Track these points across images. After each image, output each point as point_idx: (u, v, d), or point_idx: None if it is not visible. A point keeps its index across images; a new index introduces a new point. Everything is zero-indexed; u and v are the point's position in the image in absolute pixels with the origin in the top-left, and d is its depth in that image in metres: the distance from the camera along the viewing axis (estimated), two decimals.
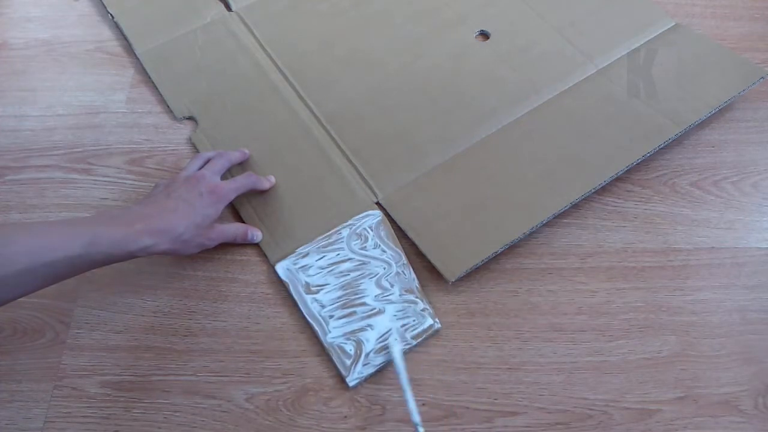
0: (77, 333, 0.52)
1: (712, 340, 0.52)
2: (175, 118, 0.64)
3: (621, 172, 0.58)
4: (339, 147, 0.60)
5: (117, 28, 0.71)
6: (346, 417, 0.48)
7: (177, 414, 0.48)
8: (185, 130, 0.64)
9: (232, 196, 0.54)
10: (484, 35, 0.69)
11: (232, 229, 0.54)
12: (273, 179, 0.58)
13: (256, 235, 0.55)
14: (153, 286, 0.54)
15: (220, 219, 0.54)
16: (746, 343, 0.52)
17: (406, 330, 0.51)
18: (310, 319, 0.51)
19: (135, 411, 0.49)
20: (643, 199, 0.59)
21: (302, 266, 0.53)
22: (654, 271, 0.55)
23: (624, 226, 0.58)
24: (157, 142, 0.63)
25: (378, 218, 0.56)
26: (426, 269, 0.54)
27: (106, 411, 0.49)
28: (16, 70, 0.68)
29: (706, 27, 0.71)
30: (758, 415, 0.49)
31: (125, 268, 0.54)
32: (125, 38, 0.69)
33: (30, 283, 0.43)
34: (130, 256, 0.47)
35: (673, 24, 0.68)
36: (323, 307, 0.52)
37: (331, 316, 0.51)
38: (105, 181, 0.60)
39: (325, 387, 0.50)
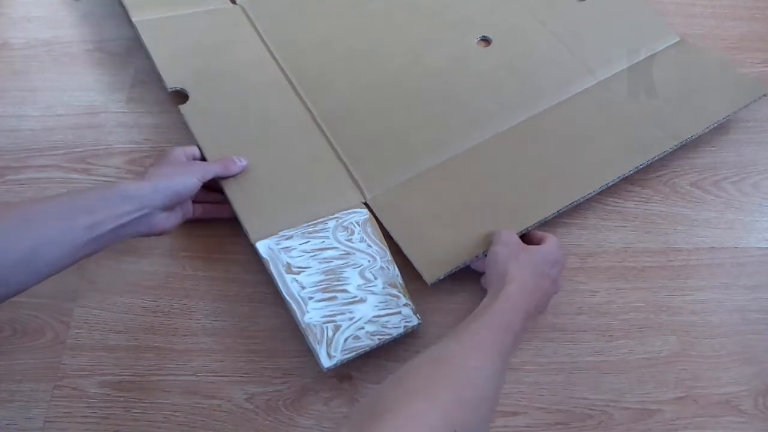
0: (77, 333, 0.52)
1: (712, 340, 0.52)
2: (165, 87, 0.61)
3: (611, 183, 0.57)
4: (331, 145, 0.60)
5: (117, 27, 0.71)
6: (346, 417, 0.48)
7: (177, 414, 0.48)
8: (185, 129, 0.63)
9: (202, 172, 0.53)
10: (486, 41, 0.68)
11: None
12: (245, 162, 0.56)
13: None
14: (153, 286, 0.54)
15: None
16: (746, 343, 0.52)
17: (386, 322, 0.50)
18: (288, 298, 0.50)
19: (135, 411, 0.49)
20: (643, 199, 0.59)
21: (285, 247, 0.53)
22: (654, 271, 0.55)
23: (624, 226, 0.58)
24: (157, 141, 0.63)
25: (365, 216, 0.56)
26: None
27: (106, 411, 0.49)
28: (16, 70, 0.68)
29: (706, 27, 0.71)
30: (758, 415, 0.49)
31: (125, 269, 0.54)
32: (121, 4, 0.66)
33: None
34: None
35: (678, 39, 0.67)
36: (303, 288, 0.51)
37: (310, 298, 0.50)
38: (105, 180, 0.60)
39: (325, 387, 0.50)
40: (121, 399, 0.49)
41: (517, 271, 0.48)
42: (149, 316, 0.53)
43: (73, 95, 0.66)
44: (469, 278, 0.54)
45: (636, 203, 0.59)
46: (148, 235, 0.50)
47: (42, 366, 0.51)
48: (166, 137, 0.63)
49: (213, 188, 0.56)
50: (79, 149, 0.62)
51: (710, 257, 0.56)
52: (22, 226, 0.42)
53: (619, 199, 0.59)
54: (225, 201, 0.55)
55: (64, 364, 0.51)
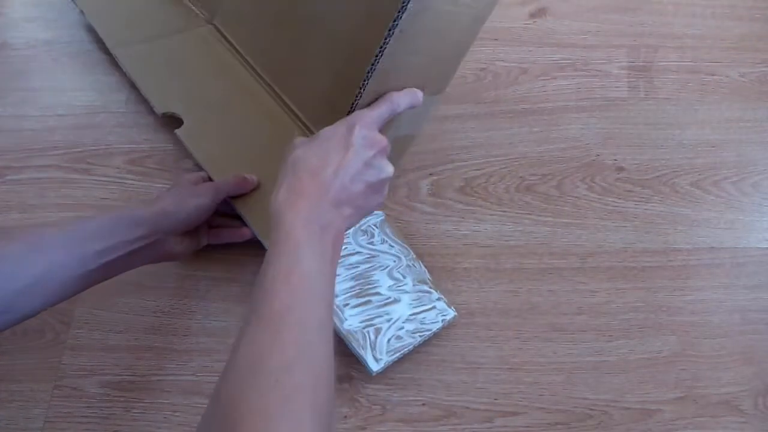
0: (77, 333, 0.52)
1: (712, 340, 0.52)
2: (155, 113, 0.61)
3: None
4: None
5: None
6: (346, 417, 0.48)
7: (177, 414, 0.48)
8: None
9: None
10: None
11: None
12: (255, 179, 0.54)
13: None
14: (153, 285, 0.54)
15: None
16: (746, 343, 0.52)
17: (423, 318, 0.51)
18: None
19: (135, 411, 0.49)
20: (643, 199, 0.59)
21: None
22: (654, 271, 0.55)
23: (624, 226, 0.58)
24: (157, 141, 0.63)
25: (381, 217, 0.56)
26: (430, 270, 0.54)
27: (106, 411, 0.49)
28: (16, 70, 0.68)
29: (706, 27, 0.71)
30: (758, 415, 0.49)
31: None
32: (96, 32, 0.66)
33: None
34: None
35: None
36: (336, 296, 0.51)
37: (346, 305, 0.51)
38: (105, 180, 0.60)
39: None
40: (121, 399, 0.49)
41: (282, 179, 0.41)
42: (149, 316, 0.53)
43: (73, 95, 0.66)
44: (470, 277, 0.54)
45: (636, 203, 0.59)
46: (163, 260, 0.50)
47: (42, 366, 0.51)
48: (165, 137, 0.63)
49: (225, 214, 0.54)
50: (79, 149, 0.62)
51: (710, 257, 0.56)
52: (31, 251, 0.42)
53: (619, 199, 0.59)
54: (240, 225, 0.54)
55: (64, 364, 0.51)
